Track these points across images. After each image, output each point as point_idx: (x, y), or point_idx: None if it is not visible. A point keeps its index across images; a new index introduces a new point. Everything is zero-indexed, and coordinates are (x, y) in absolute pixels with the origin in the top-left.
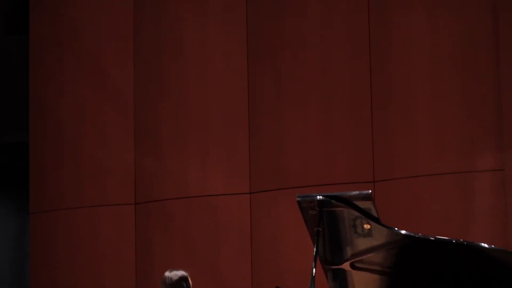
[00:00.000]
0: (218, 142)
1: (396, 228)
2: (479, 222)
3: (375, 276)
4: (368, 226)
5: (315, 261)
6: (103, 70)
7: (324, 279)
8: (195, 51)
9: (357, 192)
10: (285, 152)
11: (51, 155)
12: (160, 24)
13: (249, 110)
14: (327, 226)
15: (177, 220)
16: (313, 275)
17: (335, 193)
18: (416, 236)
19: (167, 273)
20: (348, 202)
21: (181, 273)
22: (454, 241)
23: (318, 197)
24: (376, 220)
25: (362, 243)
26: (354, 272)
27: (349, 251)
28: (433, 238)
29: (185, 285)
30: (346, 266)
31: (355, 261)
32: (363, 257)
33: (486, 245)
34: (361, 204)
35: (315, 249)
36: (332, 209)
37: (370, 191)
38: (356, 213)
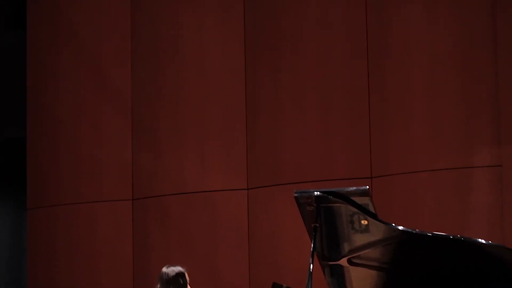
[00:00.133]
0: (215, 138)
1: (393, 224)
2: (476, 218)
3: (372, 272)
4: (366, 222)
5: (312, 257)
6: (101, 67)
7: (322, 275)
8: (192, 49)
9: (354, 188)
10: (283, 148)
11: (48, 151)
12: (158, 22)
13: (246, 107)
14: (324, 222)
15: (175, 216)
16: (311, 271)
17: (333, 189)
18: (413, 232)
19: (164, 269)
20: (345, 198)
21: (178, 269)
22: (451, 237)
23: (315, 193)
24: (374, 216)
25: (359, 239)
26: (351, 268)
27: (346, 247)
28: (430, 234)
29: (181, 281)
30: (343, 262)
31: (353, 257)
32: (361, 253)
33: (483, 241)
34: (358, 200)
35: (312, 245)
36: (329, 205)
37: (368, 187)
38: (354, 209)
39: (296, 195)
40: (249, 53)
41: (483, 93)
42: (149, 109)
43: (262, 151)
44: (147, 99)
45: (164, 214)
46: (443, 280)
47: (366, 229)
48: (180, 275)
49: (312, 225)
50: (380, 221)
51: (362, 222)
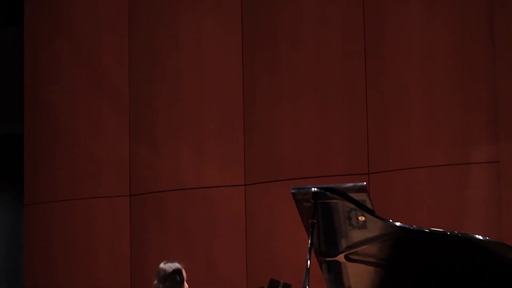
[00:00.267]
0: (213, 135)
1: (390, 220)
2: (474, 214)
3: (370, 268)
4: (363, 218)
5: (309, 253)
6: (98, 63)
7: (319, 271)
8: (190, 47)
9: (351, 184)
10: (280, 144)
11: (46, 147)
12: (155, 18)
13: (244, 103)
14: (321, 218)
15: (172, 212)
16: (308, 267)
17: (330, 185)
18: (411, 228)
19: (161, 265)
20: (342, 194)
21: (175, 265)
22: (448, 233)
23: (312, 189)
24: (371, 212)
25: (356, 235)
26: (348, 264)
27: (343, 243)
28: (427, 230)
29: (178, 278)
30: (340, 258)
31: (350, 253)
32: (358, 249)
33: (480, 237)
34: (356, 196)
35: (310, 241)
36: (326, 201)
37: (365, 183)
38: (351, 205)
39: (293, 191)
40: (246, 51)
41: (481, 90)
42: (146, 106)
43: (259, 148)
44: (144, 96)
45: (161, 210)
46: (440, 276)
47: (363, 225)
48: (177, 272)
49: (310, 221)
50: (377, 217)
51: (360, 218)
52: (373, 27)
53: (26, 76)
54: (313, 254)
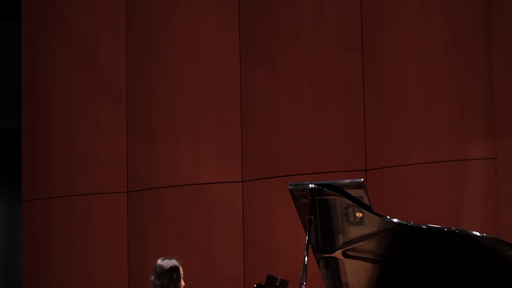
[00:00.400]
0: (210, 131)
1: (388, 216)
2: (471, 210)
3: (367, 264)
4: (360, 215)
5: (307, 250)
6: (95, 59)
7: (316, 267)
8: (187, 40)
9: (349, 180)
10: (278, 140)
11: (43, 144)
12: (152, 14)
13: (241, 98)
14: (319, 215)
15: (169, 208)
16: (305, 263)
17: (327, 182)
18: (408, 224)
19: (159, 261)
20: (340, 190)
21: (173, 262)
22: (446, 229)
23: (310, 185)
24: (368, 208)
25: (354, 232)
26: (346, 260)
27: (341, 240)
28: (425, 226)
29: (175, 276)
30: (338, 254)
31: (347, 250)
32: (355, 245)
33: (477, 233)
34: (353, 192)
35: (307, 237)
36: (324, 197)
37: (362, 179)
38: (348, 202)
39: (291, 187)
40: (244, 47)
41: (478, 85)
42: (143, 102)
43: (257, 144)
44: (141, 91)
45: (159, 206)
46: (437, 272)
47: (360, 222)
48: (174, 269)
49: (307, 217)
50: (374, 213)
51: (357, 214)
52: (370, 24)
53: (23, 73)
54: (310, 250)
